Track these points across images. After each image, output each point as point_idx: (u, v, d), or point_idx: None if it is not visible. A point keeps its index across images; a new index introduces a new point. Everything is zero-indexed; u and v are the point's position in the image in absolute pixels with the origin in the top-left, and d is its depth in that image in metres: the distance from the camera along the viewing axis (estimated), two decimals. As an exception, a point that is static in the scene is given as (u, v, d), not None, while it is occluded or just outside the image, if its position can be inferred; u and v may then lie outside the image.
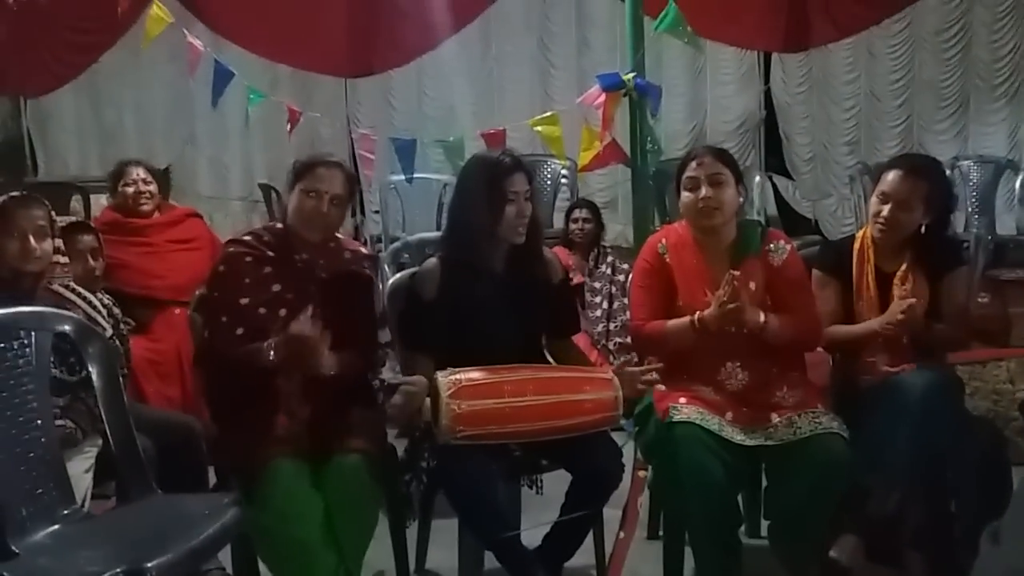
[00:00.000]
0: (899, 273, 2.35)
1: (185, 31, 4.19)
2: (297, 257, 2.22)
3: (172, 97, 6.83)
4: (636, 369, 2.21)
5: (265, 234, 2.26)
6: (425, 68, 6.76)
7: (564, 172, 5.36)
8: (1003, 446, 2.25)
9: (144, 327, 3.17)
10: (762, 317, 2.15)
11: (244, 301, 2.14)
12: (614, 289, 3.96)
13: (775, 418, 2.13)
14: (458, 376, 2.03)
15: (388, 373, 3.16)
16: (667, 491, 2.16)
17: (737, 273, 2.10)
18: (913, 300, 2.24)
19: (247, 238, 2.25)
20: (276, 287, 2.17)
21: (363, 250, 2.46)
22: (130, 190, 3.40)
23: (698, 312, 2.16)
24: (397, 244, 3.37)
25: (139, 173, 3.42)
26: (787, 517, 2.14)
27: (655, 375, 2.16)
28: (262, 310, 2.13)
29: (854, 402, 2.28)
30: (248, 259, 2.19)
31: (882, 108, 6.09)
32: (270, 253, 2.21)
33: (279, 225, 2.28)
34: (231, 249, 2.22)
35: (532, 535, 2.17)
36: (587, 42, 6.48)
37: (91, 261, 2.61)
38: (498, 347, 2.14)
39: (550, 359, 2.39)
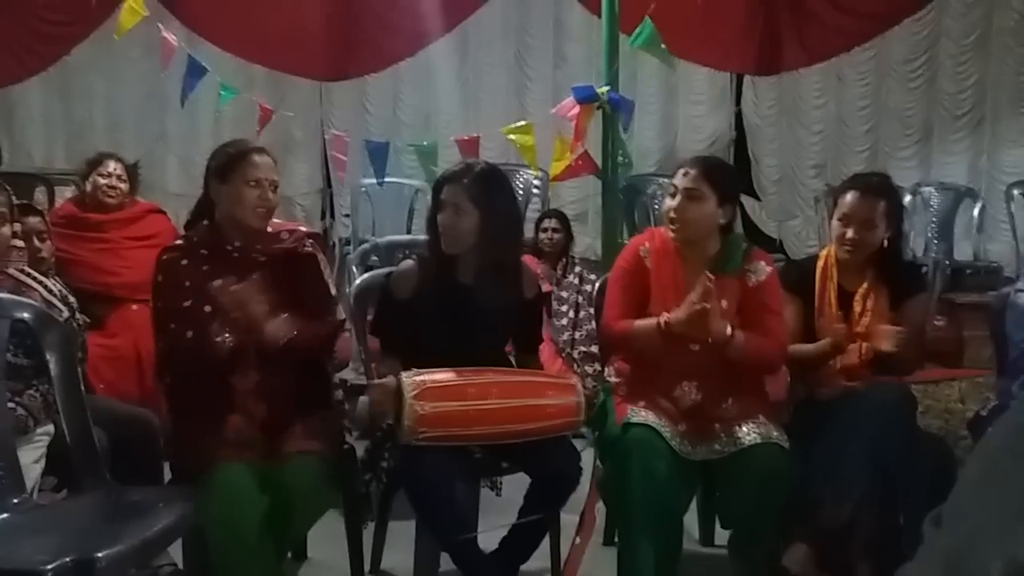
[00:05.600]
0: (860, 291, 2.40)
1: (160, 24, 4.16)
2: (230, 247, 2.20)
3: (144, 93, 6.76)
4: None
5: (194, 235, 2.24)
6: (402, 75, 6.78)
7: (536, 182, 5.40)
8: (952, 463, 2.29)
9: (100, 323, 3.13)
10: (729, 330, 2.15)
11: (187, 304, 2.11)
12: (581, 299, 3.98)
13: (718, 428, 2.16)
14: (423, 377, 2.03)
15: (350, 375, 3.16)
16: (615, 489, 2.16)
17: (712, 276, 2.09)
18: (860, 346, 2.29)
19: (179, 243, 2.24)
20: (217, 282, 2.15)
21: (302, 228, 2.45)
22: (102, 181, 3.38)
23: (665, 315, 2.16)
24: (366, 246, 3.38)
25: (116, 168, 3.42)
26: (737, 526, 2.18)
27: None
28: (207, 308, 2.12)
29: (812, 415, 2.31)
30: (184, 262, 2.16)
31: (849, 133, 6.23)
32: (203, 251, 2.19)
33: (204, 223, 2.25)
34: (164, 257, 2.19)
35: (489, 538, 2.18)
36: (563, 56, 6.54)
37: (36, 243, 2.58)
38: (465, 352, 2.14)
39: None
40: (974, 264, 5.28)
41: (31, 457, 2.03)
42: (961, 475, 0.63)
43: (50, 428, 2.08)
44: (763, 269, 2.26)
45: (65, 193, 4.91)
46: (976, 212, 5.38)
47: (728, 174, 2.33)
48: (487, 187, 2.20)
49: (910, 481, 2.18)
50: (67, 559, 1.56)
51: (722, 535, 2.38)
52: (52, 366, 1.97)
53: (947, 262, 5.02)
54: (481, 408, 2.04)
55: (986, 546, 0.55)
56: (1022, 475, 0.56)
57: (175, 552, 2.19)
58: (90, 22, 6.45)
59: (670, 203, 2.25)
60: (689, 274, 2.23)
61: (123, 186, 3.42)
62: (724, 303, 2.17)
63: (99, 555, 1.58)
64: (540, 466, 2.13)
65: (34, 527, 1.78)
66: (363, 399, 2.15)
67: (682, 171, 2.26)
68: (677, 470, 2.08)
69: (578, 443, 2.28)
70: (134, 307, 3.15)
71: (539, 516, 2.13)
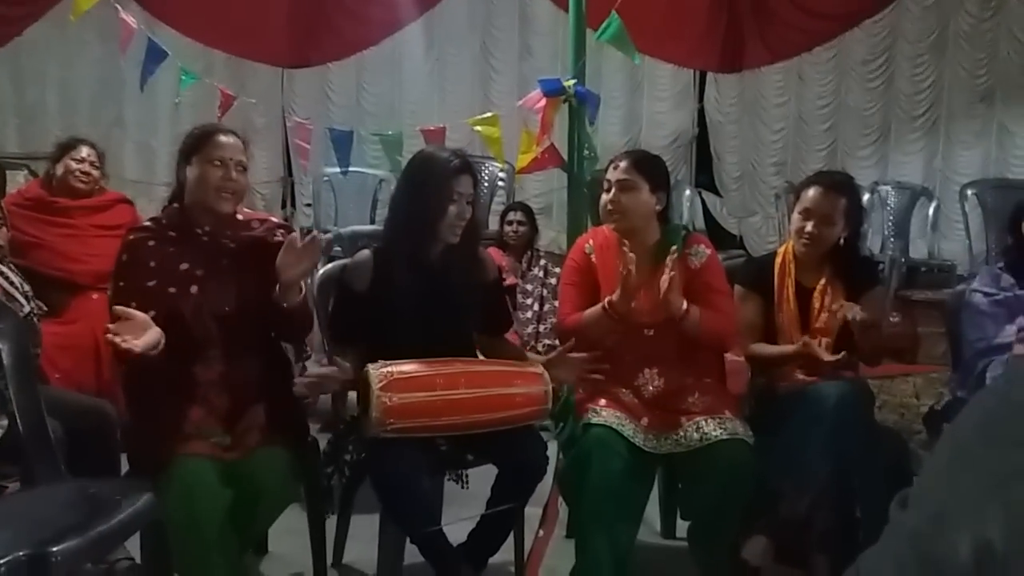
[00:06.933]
0: (819, 287, 2.44)
1: (118, 6, 4.06)
2: (200, 231, 2.17)
3: (100, 76, 6.60)
4: (577, 356, 2.22)
5: (163, 217, 2.21)
6: (366, 63, 6.71)
7: (501, 175, 5.39)
8: (908, 457, 2.34)
9: (60, 310, 3.07)
10: (684, 305, 2.19)
11: (151, 284, 2.08)
12: (545, 292, 3.99)
13: (684, 422, 2.18)
14: (390, 368, 2.01)
15: (313, 366, 3.12)
16: (573, 488, 2.18)
17: (632, 256, 2.14)
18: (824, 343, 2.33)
19: (147, 224, 2.21)
20: (184, 265, 2.12)
21: (274, 219, 2.41)
22: (75, 165, 3.31)
23: (608, 298, 2.21)
24: (329, 235, 3.34)
25: (91, 154, 3.36)
26: (699, 519, 2.21)
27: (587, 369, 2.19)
28: (172, 290, 2.08)
29: (771, 409, 2.35)
30: (151, 243, 2.13)
31: (809, 132, 6.32)
32: (171, 233, 2.16)
33: (175, 205, 2.22)
34: (131, 237, 2.15)
35: (456, 531, 2.17)
36: (529, 48, 6.54)
37: None
38: (427, 342, 2.14)
39: (481, 357, 2.40)
40: (928, 262, 5.40)
41: (-19, 450, 1.97)
42: (929, 458, 0.64)
43: (3, 422, 2.02)
44: (703, 252, 2.34)
45: (17, 177, 4.78)
46: (931, 211, 5.50)
47: (656, 163, 2.40)
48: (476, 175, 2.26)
49: (867, 474, 2.22)
50: (20, 554, 1.52)
51: (684, 527, 2.40)
52: (5, 356, 1.91)
53: (903, 260, 5.13)
54: (450, 398, 2.03)
55: (955, 525, 0.55)
56: (991, 457, 0.57)
57: (133, 547, 2.15)
58: (44, 2, 6.28)
59: (606, 197, 2.32)
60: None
61: (95, 173, 3.37)
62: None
63: (54, 549, 1.54)
64: (507, 456, 2.13)
65: (-15, 521, 1.72)
66: (296, 386, 2.12)
67: (612, 166, 2.34)
68: (635, 470, 2.10)
69: (543, 435, 2.28)
70: (95, 296, 3.09)
71: (508, 506, 2.13)
